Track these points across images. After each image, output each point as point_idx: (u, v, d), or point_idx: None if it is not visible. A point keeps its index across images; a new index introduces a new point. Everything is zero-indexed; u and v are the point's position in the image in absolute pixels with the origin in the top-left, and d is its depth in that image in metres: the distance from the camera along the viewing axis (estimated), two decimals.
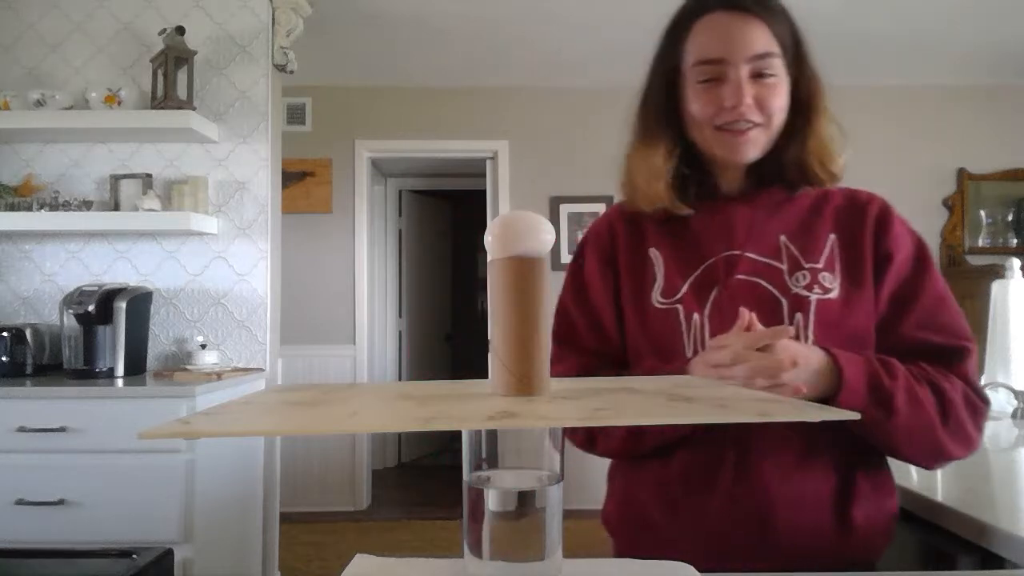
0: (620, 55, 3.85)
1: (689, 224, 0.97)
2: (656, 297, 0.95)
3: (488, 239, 0.60)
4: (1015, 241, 4.30)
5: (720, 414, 0.51)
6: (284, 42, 2.83)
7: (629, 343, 0.98)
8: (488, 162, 4.32)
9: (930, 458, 0.89)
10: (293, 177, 4.09)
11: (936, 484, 1.05)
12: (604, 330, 0.99)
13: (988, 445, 1.33)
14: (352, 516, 4.05)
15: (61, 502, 2.10)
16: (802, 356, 0.81)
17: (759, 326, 0.82)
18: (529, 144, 4.26)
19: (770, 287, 0.92)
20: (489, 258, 0.60)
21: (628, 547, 0.99)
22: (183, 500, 2.11)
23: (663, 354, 0.93)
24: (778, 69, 0.90)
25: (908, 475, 1.10)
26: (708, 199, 0.97)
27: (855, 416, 0.47)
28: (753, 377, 0.79)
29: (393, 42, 3.62)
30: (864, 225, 0.95)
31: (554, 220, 4.14)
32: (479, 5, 3.21)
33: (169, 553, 0.98)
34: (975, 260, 4.17)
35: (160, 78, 2.61)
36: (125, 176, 2.72)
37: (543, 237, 0.59)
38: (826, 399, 0.83)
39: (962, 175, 4.27)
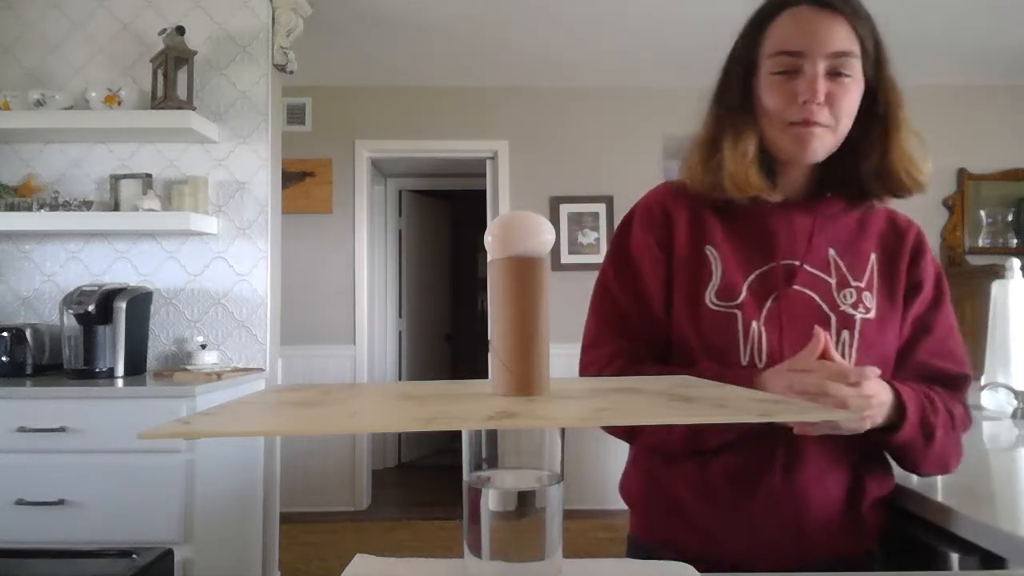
0: (620, 55, 3.85)
1: (750, 224, 0.95)
2: (711, 297, 0.93)
3: (488, 239, 0.60)
4: (1015, 241, 4.30)
5: (720, 414, 0.51)
6: (284, 42, 2.83)
7: (675, 337, 0.95)
8: (488, 162, 4.32)
9: (936, 470, 0.95)
10: (293, 177, 4.09)
11: (936, 484, 1.05)
12: (653, 314, 0.95)
13: (988, 445, 1.33)
14: (352, 516, 4.05)
15: (61, 502, 2.10)
16: (883, 394, 0.84)
17: (833, 351, 0.83)
18: (529, 144, 4.26)
19: (821, 302, 0.93)
20: (489, 258, 0.60)
21: (652, 525, 0.99)
22: (183, 500, 2.11)
23: (716, 357, 0.91)
24: (855, 70, 0.89)
25: (908, 475, 1.10)
26: (768, 201, 0.94)
27: (855, 416, 0.47)
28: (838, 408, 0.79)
29: (393, 42, 3.62)
30: (903, 250, 0.97)
31: (554, 220, 4.14)
32: (479, 5, 3.21)
33: (169, 553, 0.98)
34: (975, 260, 4.17)
35: (160, 78, 2.61)
36: (125, 176, 2.72)
37: (543, 237, 0.59)
38: (886, 428, 0.87)
39: (962, 175, 4.27)
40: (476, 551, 0.56)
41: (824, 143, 0.90)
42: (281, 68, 2.86)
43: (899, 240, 0.97)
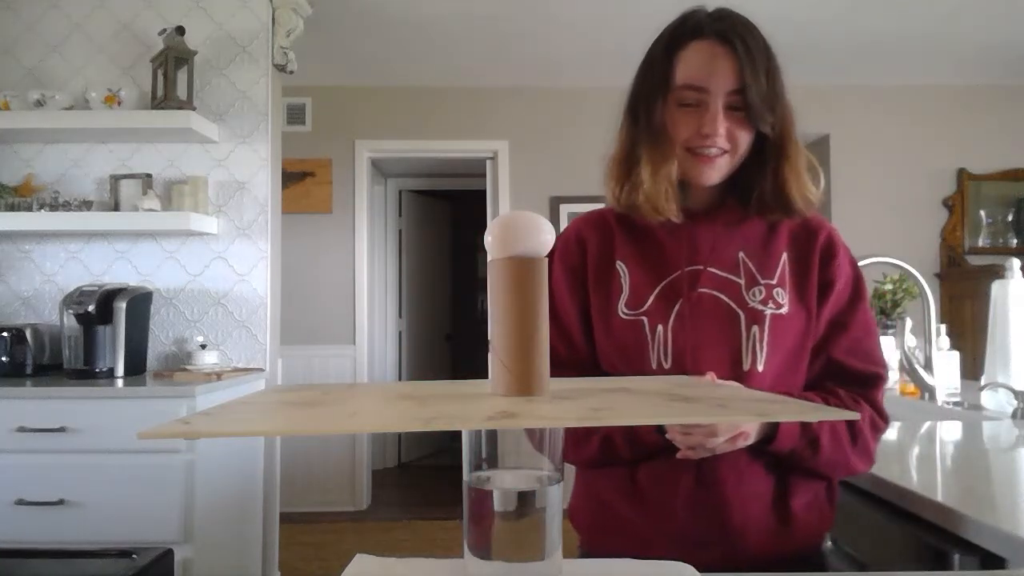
0: (620, 55, 3.85)
1: (656, 238, 1.02)
2: (622, 307, 1.00)
3: (488, 239, 0.60)
4: (1015, 241, 4.30)
5: (720, 414, 0.51)
6: (284, 42, 2.83)
7: (599, 351, 1.02)
8: (488, 162, 4.32)
9: (839, 475, 0.99)
10: (293, 177, 4.08)
11: (936, 484, 1.05)
12: (572, 340, 1.03)
13: (988, 445, 1.33)
14: (352, 516, 4.05)
15: (61, 502, 2.10)
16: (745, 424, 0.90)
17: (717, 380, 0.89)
18: (529, 144, 4.26)
19: (729, 301, 0.98)
20: (489, 258, 0.60)
21: (595, 541, 1.04)
22: (183, 500, 2.11)
23: (630, 363, 0.98)
24: (750, 104, 0.94)
25: (908, 475, 1.10)
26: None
27: (854, 416, 0.47)
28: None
29: (393, 42, 3.62)
30: (813, 250, 1.01)
31: (554, 220, 4.14)
32: (479, 5, 3.21)
33: (169, 553, 0.98)
34: (975, 260, 4.17)
35: (160, 78, 2.61)
36: (125, 176, 2.72)
37: (543, 237, 0.59)
38: (767, 439, 0.92)
39: (962, 175, 4.27)
40: (476, 551, 0.56)
41: (721, 170, 0.98)
42: (281, 68, 2.86)
43: (810, 240, 1.01)
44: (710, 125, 0.94)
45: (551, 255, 1.04)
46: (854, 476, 1.03)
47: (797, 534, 0.96)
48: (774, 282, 0.99)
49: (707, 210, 1.02)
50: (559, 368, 0.97)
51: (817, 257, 1.00)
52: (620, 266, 1.02)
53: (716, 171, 0.97)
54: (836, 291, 0.99)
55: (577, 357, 1.03)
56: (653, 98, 0.99)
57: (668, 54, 0.98)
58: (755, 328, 0.96)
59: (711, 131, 0.94)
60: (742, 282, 0.99)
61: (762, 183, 0.98)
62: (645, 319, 0.98)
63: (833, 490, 1.02)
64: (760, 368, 0.95)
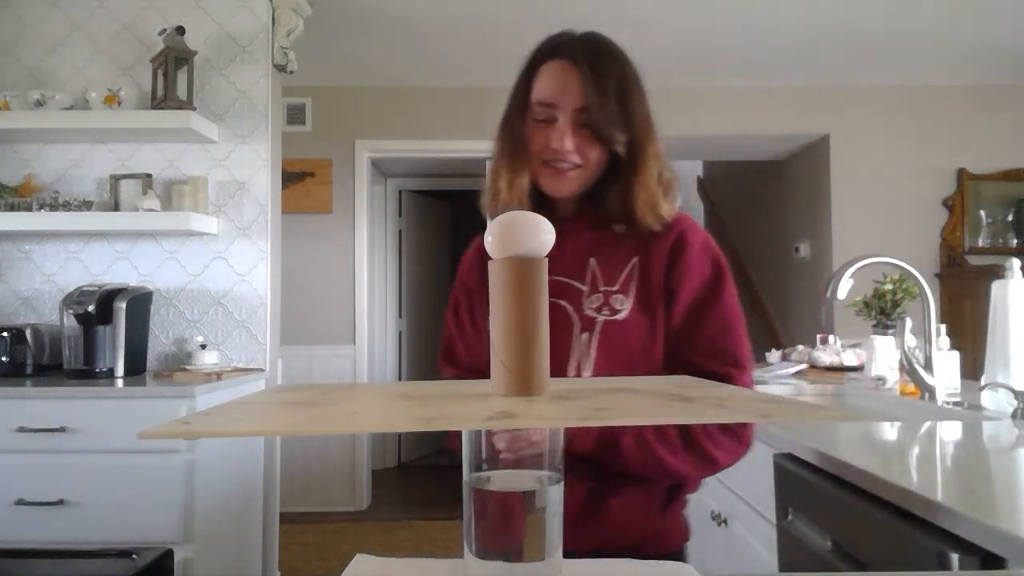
0: None
1: None
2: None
3: (488, 239, 0.60)
4: (1015, 241, 4.30)
5: (720, 414, 0.51)
6: (284, 42, 2.83)
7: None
8: (488, 162, 4.31)
9: (664, 477, 0.99)
10: (293, 177, 4.08)
11: (936, 484, 1.05)
12: (472, 347, 1.12)
13: (988, 445, 1.33)
14: (352, 516, 4.05)
15: (61, 502, 2.10)
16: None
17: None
18: None
19: (569, 308, 1.02)
20: (489, 258, 0.60)
21: None
22: (183, 500, 2.11)
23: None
24: (597, 122, 0.99)
25: (908, 475, 1.10)
26: None
27: (852, 416, 0.47)
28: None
29: (393, 42, 3.62)
30: (661, 252, 1.02)
31: None
32: (479, 6, 3.21)
33: (169, 553, 0.98)
34: (975, 260, 4.17)
35: (160, 78, 2.61)
36: (125, 176, 2.72)
37: (543, 237, 0.59)
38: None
39: (962, 175, 4.27)
40: (476, 551, 0.56)
41: (572, 183, 1.03)
42: (281, 68, 2.86)
43: (660, 242, 1.03)
44: (557, 140, 1.00)
45: (457, 272, 1.16)
46: (730, 468, 1.00)
47: (613, 531, 0.97)
48: (615, 288, 1.01)
49: (568, 220, 1.05)
50: (458, 369, 1.15)
51: (664, 259, 1.01)
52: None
53: (567, 184, 1.03)
54: (686, 291, 1.00)
55: (478, 362, 1.09)
56: (513, 113, 1.07)
57: (529, 73, 1.06)
58: (585, 335, 0.99)
59: (558, 146, 1.00)
60: (585, 289, 1.02)
61: (611, 196, 1.03)
62: None
63: (670, 496, 1.02)
64: (587, 374, 0.97)
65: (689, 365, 0.98)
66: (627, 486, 0.98)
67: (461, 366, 1.13)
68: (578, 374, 0.98)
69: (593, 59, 1.01)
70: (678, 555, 1.04)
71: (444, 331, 1.18)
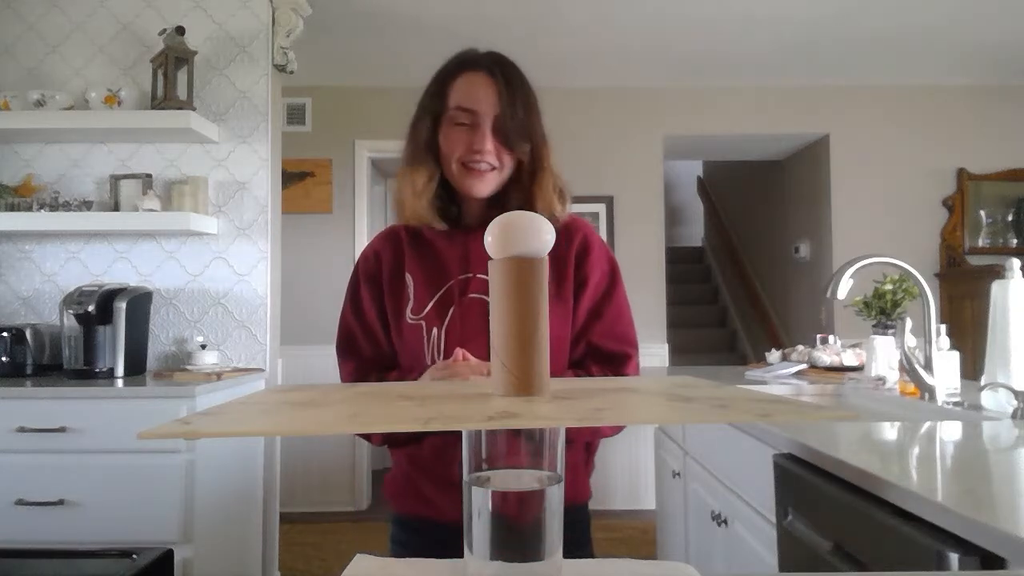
0: (620, 55, 3.85)
1: (436, 250, 1.17)
2: (408, 314, 1.15)
3: (488, 239, 0.60)
4: (1015, 241, 4.30)
5: (720, 414, 0.51)
6: (284, 42, 2.83)
7: (396, 350, 1.18)
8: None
9: (593, 436, 1.15)
10: (293, 177, 4.08)
11: (936, 484, 1.05)
12: (376, 339, 1.19)
13: (988, 445, 1.33)
14: (352, 516, 4.05)
15: (61, 502, 2.10)
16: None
17: (471, 358, 1.02)
18: None
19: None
20: (489, 258, 0.60)
21: (398, 505, 1.22)
22: (183, 500, 2.11)
23: (415, 361, 1.12)
24: (510, 130, 1.11)
25: (908, 475, 1.10)
26: (453, 228, 1.17)
27: (852, 416, 0.47)
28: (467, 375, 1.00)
29: (393, 42, 3.62)
30: (570, 252, 1.15)
31: None
32: (479, 5, 3.21)
33: (169, 553, 0.98)
34: (975, 260, 4.17)
35: (160, 78, 2.61)
36: (125, 176, 2.72)
37: (543, 237, 0.59)
38: None
39: (962, 175, 4.27)
40: (476, 551, 0.56)
41: (490, 184, 1.12)
42: (281, 68, 2.87)
43: (568, 242, 1.15)
44: (480, 142, 1.09)
45: (357, 266, 1.25)
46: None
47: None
48: None
49: (480, 222, 1.13)
50: (363, 363, 1.21)
51: (573, 256, 1.15)
52: (408, 277, 1.17)
53: (486, 184, 1.12)
54: (592, 285, 1.15)
55: (380, 354, 1.19)
56: (424, 119, 1.15)
57: (445, 81, 1.15)
58: None
59: (480, 147, 1.09)
60: None
61: (513, 200, 1.13)
62: (423, 323, 1.13)
63: (588, 457, 1.18)
64: None
65: (594, 346, 1.14)
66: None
67: (363, 357, 1.20)
68: None
69: (507, 74, 1.13)
70: (582, 510, 1.20)
71: (341, 323, 1.25)
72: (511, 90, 1.12)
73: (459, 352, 1.02)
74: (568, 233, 1.17)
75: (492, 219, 1.07)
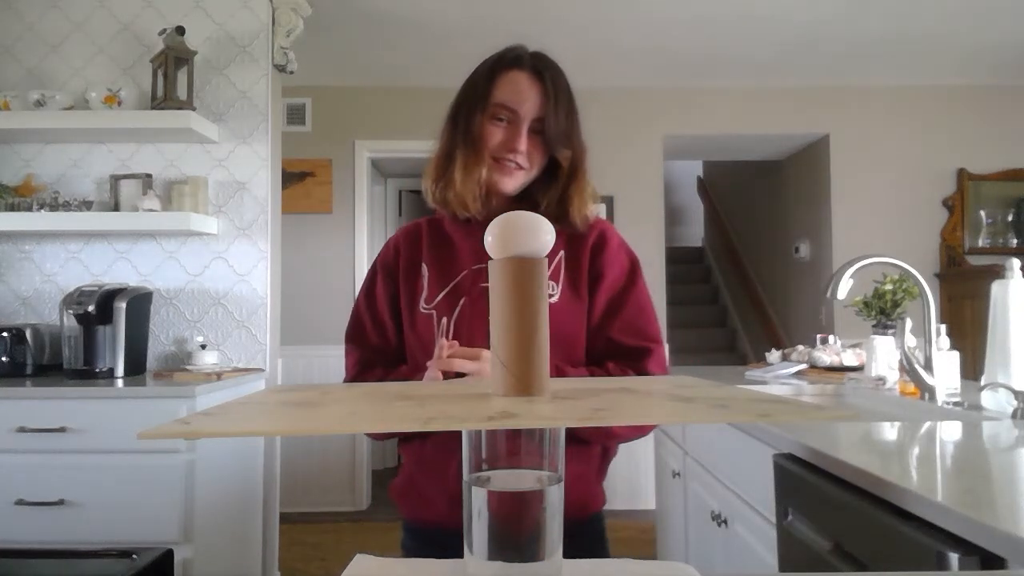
0: (619, 55, 3.85)
1: (453, 242, 1.19)
2: (422, 304, 1.17)
3: (488, 239, 0.60)
4: (1015, 241, 4.30)
5: (720, 414, 0.51)
6: (284, 42, 2.83)
7: (405, 342, 1.19)
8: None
9: (601, 440, 1.12)
10: (293, 177, 4.09)
11: (936, 484, 1.05)
12: (385, 330, 1.20)
13: (988, 445, 1.33)
14: (352, 516, 4.05)
15: (61, 502, 2.10)
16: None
17: (456, 344, 1.02)
18: None
19: None
20: (489, 258, 0.60)
21: (403, 505, 1.19)
22: (183, 500, 2.11)
23: (427, 350, 1.11)
24: (550, 133, 1.13)
25: (908, 475, 1.10)
26: (472, 221, 1.17)
27: (852, 416, 0.47)
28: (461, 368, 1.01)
29: (393, 42, 3.62)
30: (584, 248, 1.16)
31: None
32: (479, 5, 3.21)
33: (169, 553, 0.97)
34: (975, 260, 4.17)
35: (160, 78, 2.61)
36: (125, 176, 2.72)
37: (543, 237, 0.59)
38: None
39: (962, 175, 4.27)
40: (476, 551, 0.56)
41: (517, 181, 1.15)
42: (281, 68, 2.87)
43: (583, 239, 1.17)
44: (517, 141, 1.12)
45: (375, 261, 1.25)
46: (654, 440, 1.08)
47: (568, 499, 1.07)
48: (547, 275, 1.10)
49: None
50: (369, 352, 1.21)
51: (588, 252, 1.16)
52: (424, 268, 1.19)
53: (513, 181, 1.14)
54: (608, 280, 1.15)
55: (387, 345, 1.20)
56: (472, 110, 1.16)
57: (491, 75, 1.16)
58: None
59: (516, 147, 1.12)
60: None
61: (549, 198, 1.15)
62: (435, 312, 1.15)
63: (603, 464, 1.17)
64: None
65: (613, 342, 1.13)
66: (571, 458, 1.04)
67: (370, 346, 1.20)
68: None
69: (554, 77, 1.14)
70: (599, 517, 1.21)
71: (353, 312, 1.24)
72: (556, 94, 1.14)
73: (443, 343, 1.02)
74: (584, 230, 1.19)
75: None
